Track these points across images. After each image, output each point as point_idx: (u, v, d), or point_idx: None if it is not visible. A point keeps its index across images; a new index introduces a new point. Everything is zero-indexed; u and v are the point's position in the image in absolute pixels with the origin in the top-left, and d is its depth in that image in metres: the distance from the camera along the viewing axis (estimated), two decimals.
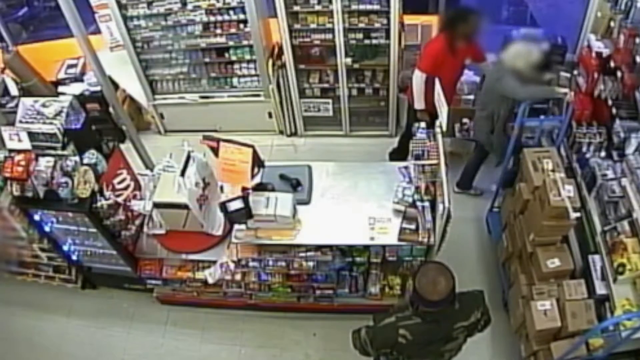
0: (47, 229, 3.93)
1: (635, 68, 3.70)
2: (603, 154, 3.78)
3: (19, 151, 3.38)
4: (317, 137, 5.66)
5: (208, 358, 4.17)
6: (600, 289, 3.32)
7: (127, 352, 4.25)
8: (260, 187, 3.46)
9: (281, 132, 5.69)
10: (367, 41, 4.83)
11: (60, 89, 5.43)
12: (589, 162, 3.68)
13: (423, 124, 3.46)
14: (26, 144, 3.38)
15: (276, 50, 5.19)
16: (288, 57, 4.98)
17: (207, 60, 5.22)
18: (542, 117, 4.20)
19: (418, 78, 4.22)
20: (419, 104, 4.34)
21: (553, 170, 3.38)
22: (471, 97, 5.03)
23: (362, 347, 2.73)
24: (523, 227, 3.68)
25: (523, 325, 3.57)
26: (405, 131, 4.75)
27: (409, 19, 5.13)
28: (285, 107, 5.47)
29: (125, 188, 3.82)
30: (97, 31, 5.22)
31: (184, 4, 4.79)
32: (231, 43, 5.01)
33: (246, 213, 3.27)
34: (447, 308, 2.45)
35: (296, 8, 4.64)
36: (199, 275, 3.88)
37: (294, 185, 3.65)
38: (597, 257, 3.42)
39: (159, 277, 4.02)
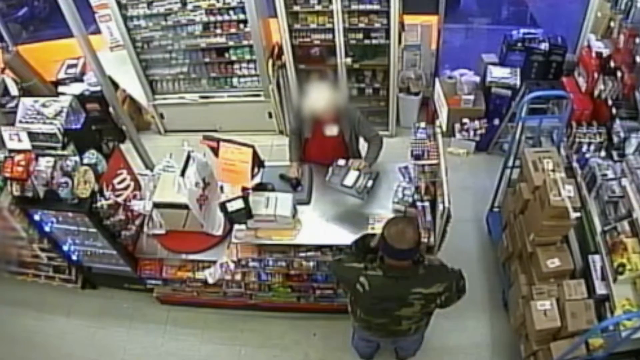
0: (47, 229, 3.92)
1: (635, 68, 3.71)
2: (603, 154, 3.78)
3: (19, 151, 3.37)
4: None
5: (208, 358, 4.17)
6: (600, 289, 3.32)
7: (127, 352, 4.24)
8: (260, 187, 3.46)
9: (281, 132, 5.69)
10: (367, 41, 4.83)
11: (60, 89, 5.44)
12: (589, 162, 3.67)
13: (423, 124, 3.45)
14: (26, 144, 3.38)
15: (276, 50, 5.19)
16: (288, 57, 4.98)
17: (207, 60, 5.22)
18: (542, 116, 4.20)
19: None
20: None
21: (553, 170, 3.37)
22: (471, 97, 5.04)
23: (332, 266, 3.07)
24: (523, 227, 3.68)
25: (523, 325, 3.57)
26: None
27: (409, 19, 5.13)
28: (285, 107, 5.47)
29: (125, 188, 3.81)
30: (97, 31, 5.22)
31: (184, 4, 4.80)
32: (231, 43, 5.01)
33: (246, 213, 3.27)
34: (410, 269, 2.56)
35: (296, 8, 4.65)
36: (199, 275, 3.87)
37: (294, 185, 3.65)
38: (597, 257, 3.42)
39: (159, 277, 4.02)
